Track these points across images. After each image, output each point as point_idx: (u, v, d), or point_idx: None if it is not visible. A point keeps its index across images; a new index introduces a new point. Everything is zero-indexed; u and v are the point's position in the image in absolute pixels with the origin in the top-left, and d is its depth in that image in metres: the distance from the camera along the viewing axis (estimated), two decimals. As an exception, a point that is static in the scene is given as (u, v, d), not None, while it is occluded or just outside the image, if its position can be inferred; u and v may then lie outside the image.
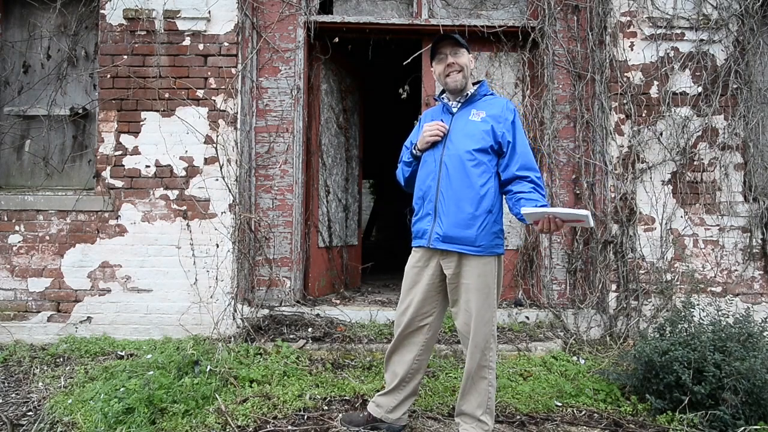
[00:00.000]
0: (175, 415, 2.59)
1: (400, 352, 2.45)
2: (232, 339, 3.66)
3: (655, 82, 4.05)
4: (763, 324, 2.93)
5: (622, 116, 4.05)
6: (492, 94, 2.44)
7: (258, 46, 4.08)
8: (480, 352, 2.28)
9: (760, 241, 4.01)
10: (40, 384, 3.19)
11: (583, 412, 2.83)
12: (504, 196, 2.38)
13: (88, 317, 3.95)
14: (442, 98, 2.47)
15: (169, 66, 4.01)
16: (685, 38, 4.06)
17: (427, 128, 2.35)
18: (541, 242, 4.13)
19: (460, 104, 2.39)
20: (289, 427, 2.56)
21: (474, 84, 2.43)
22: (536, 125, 4.16)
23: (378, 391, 2.75)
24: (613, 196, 4.02)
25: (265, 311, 3.91)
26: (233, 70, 4.00)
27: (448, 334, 3.74)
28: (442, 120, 2.40)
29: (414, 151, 2.44)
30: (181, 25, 4.01)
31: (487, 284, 2.27)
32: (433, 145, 2.36)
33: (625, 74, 4.05)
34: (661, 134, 4.03)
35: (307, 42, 4.19)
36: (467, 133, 2.30)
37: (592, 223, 2.07)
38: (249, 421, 2.59)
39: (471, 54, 2.42)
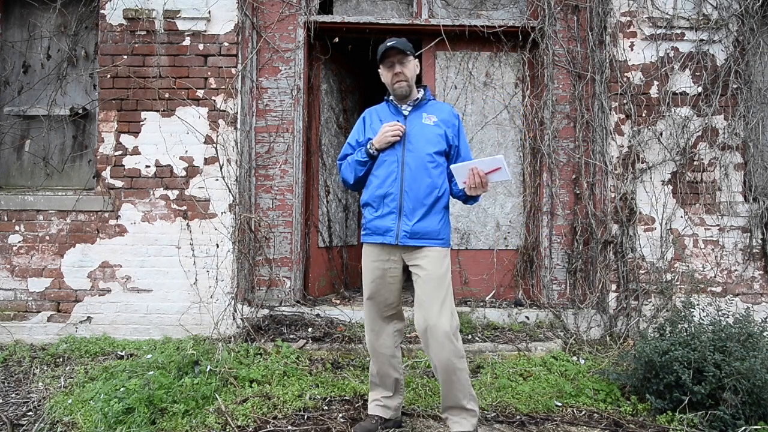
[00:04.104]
0: (175, 415, 2.59)
1: (382, 355, 2.52)
2: (232, 339, 3.66)
3: (655, 82, 4.05)
4: (763, 324, 2.94)
5: (622, 116, 4.05)
6: (434, 99, 2.62)
7: (258, 46, 4.08)
8: (450, 341, 2.30)
9: (760, 241, 4.01)
10: (40, 384, 3.19)
11: (583, 412, 2.83)
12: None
13: (88, 317, 3.95)
14: (390, 99, 2.54)
15: (169, 66, 4.01)
16: (685, 38, 4.06)
17: (387, 128, 2.38)
18: (541, 242, 4.13)
19: (411, 107, 2.50)
20: (289, 427, 2.56)
21: (419, 88, 2.55)
22: (536, 125, 4.17)
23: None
24: (613, 196, 4.02)
25: (265, 311, 3.91)
26: (233, 70, 4.00)
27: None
28: (397, 121, 2.47)
29: (371, 150, 2.44)
30: (181, 25, 4.01)
31: (446, 276, 2.39)
32: (391, 144, 2.41)
33: (625, 74, 4.05)
34: (661, 134, 4.03)
35: (307, 42, 4.19)
36: (425, 136, 2.43)
37: (509, 176, 2.30)
38: (249, 421, 2.60)
39: (416, 59, 2.53)
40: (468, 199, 2.47)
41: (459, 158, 2.48)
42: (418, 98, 2.50)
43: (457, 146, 2.50)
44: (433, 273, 2.35)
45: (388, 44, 2.42)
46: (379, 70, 2.52)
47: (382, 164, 2.43)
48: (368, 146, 2.45)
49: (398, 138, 2.39)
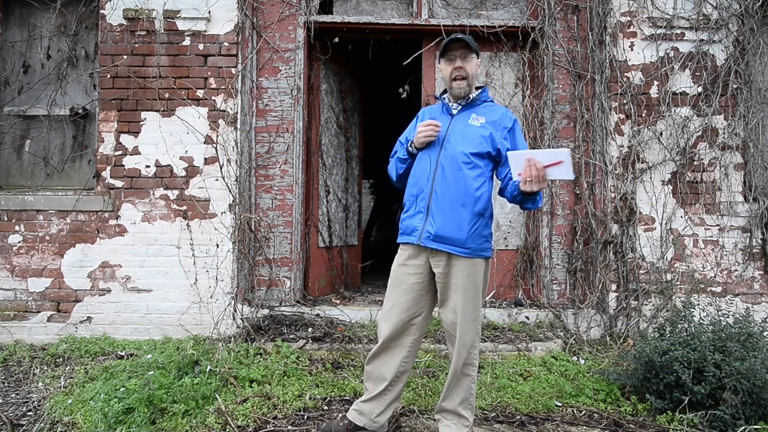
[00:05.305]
0: (175, 415, 2.59)
1: (386, 356, 2.38)
2: (232, 339, 3.66)
3: (655, 82, 4.05)
4: (763, 324, 2.94)
5: (622, 116, 4.05)
6: (492, 101, 2.45)
7: (258, 46, 4.08)
8: (467, 350, 2.30)
9: (760, 241, 4.01)
10: (40, 384, 3.19)
11: (583, 412, 2.83)
12: (501, 197, 2.40)
13: (88, 317, 3.95)
14: (444, 98, 2.46)
15: (169, 66, 4.01)
16: (685, 38, 4.06)
17: (421, 128, 2.33)
18: (541, 242, 4.13)
19: (460, 107, 2.39)
20: (289, 427, 2.56)
21: (476, 88, 2.43)
22: (536, 125, 4.16)
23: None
24: (613, 196, 4.02)
25: (265, 311, 3.91)
26: (233, 70, 4.00)
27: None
28: (440, 121, 2.38)
29: (410, 149, 2.42)
30: (181, 25, 4.01)
31: (475, 285, 2.28)
32: (430, 143, 2.35)
33: (625, 74, 4.05)
34: (661, 134, 4.03)
35: (307, 42, 4.19)
36: (465, 136, 2.31)
37: (572, 174, 2.06)
38: (249, 421, 2.60)
39: (479, 59, 2.43)
40: (524, 200, 2.20)
41: None
42: (470, 98, 2.38)
43: (509, 150, 2.28)
44: (459, 283, 2.26)
45: (454, 36, 2.33)
46: (438, 65, 2.42)
47: (419, 162, 2.38)
48: (408, 144, 2.42)
49: (431, 139, 2.31)
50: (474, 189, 2.25)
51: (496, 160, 2.32)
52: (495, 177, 2.40)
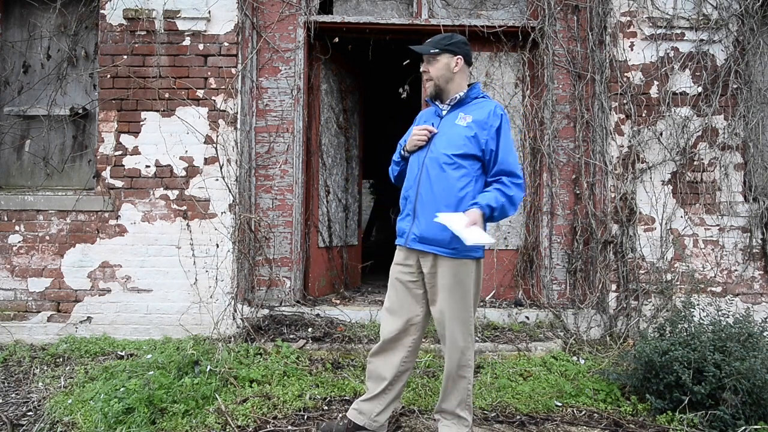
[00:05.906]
0: (175, 415, 2.59)
1: (386, 355, 2.39)
2: (232, 339, 3.66)
3: (655, 82, 4.05)
4: (763, 324, 2.94)
5: (622, 116, 4.05)
6: (484, 97, 2.41)
7: (258, 46, 4.08)
8: (458, 352, 2.28)
9: (760, 241, 4.01)
10: (40, 384, 3.19)
11: (583, 412, 2.83)
12: None
13: (88, 317, 3.95)
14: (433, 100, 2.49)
15: (169, 66, 4.01)
16: (685, 38, 4.06)
17: (415, 131, 2.38)
18: (541, 242, 4.13)
19: (449, 107, 2.39)
20: (289, 427, 2.56)
21: (468, 86, 2.41)
22: (536, 125, 4.17)
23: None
24: (613, 196, 4.02)
25: (265, 311, 3.91)
26: (233, 70, 4.00)
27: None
28: (432, 123, 2.41)
29: (402, 152, 2.47)
30: (181, 25, 4.01)
31: (463, 285, 2.26)
32: (421, 147, 2.38)
33: (625, 74, 4.05)
34: (661, 134, 4.03)
35: (307, 42, 4.19)
36: (450, 137, 2.31)
37: (484, 236, 2.11)
38: (249, 421, 2.60)
39: (456, 56, 2.35)
40: (491, 218, 2.27)
41: (496, 163, 2.27)
42: (456, 98, 2.36)
43: (494, 150, 2.26)
44: (446, 283, 2.25)
45: (415, 47, 2.40)
46: None
47: (409, 166, 2.44)
48: (402, 148, 2.47)
49: (423, 142, 2.34)
50: (458, 189, 2.24)
51: (482, 159, 2.29)
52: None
